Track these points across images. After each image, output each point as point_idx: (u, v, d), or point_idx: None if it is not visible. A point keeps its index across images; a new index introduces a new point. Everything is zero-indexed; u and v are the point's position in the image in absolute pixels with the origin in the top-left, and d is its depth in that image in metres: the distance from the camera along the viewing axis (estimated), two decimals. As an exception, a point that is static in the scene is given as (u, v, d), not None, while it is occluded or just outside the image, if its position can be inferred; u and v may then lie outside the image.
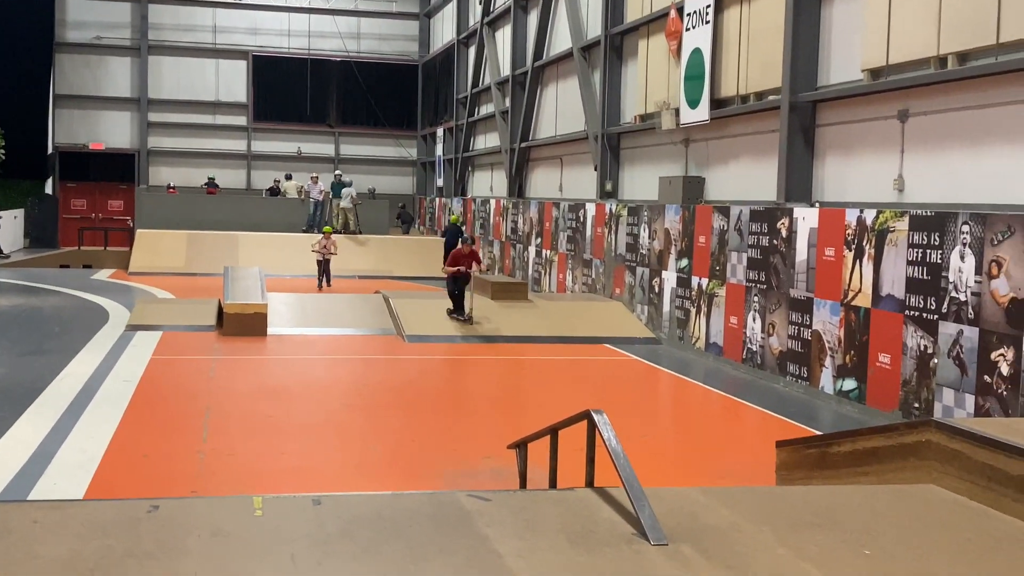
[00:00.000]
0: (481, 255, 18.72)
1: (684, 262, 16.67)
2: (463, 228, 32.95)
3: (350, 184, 33.98)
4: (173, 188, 36.24)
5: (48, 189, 38.07)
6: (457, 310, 17.68)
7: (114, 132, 39.08)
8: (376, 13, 40.81)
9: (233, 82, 40.00)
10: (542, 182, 26.57)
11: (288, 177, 34.51)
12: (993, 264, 9.88)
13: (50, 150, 38.09)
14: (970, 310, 10.17)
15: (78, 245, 34.58)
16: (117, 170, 38.58)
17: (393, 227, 35.77)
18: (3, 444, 9.43)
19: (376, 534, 4.78)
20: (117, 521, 4.92)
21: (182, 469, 8.90)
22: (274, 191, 36.57)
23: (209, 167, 39.24)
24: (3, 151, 34.43)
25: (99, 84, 38.93)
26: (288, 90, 40.04)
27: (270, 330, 16.95)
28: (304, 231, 30.45)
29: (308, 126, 40.43)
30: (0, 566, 4.33)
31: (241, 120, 40.10)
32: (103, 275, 27.55)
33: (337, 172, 36.06)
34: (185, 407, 11.38)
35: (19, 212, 35.53)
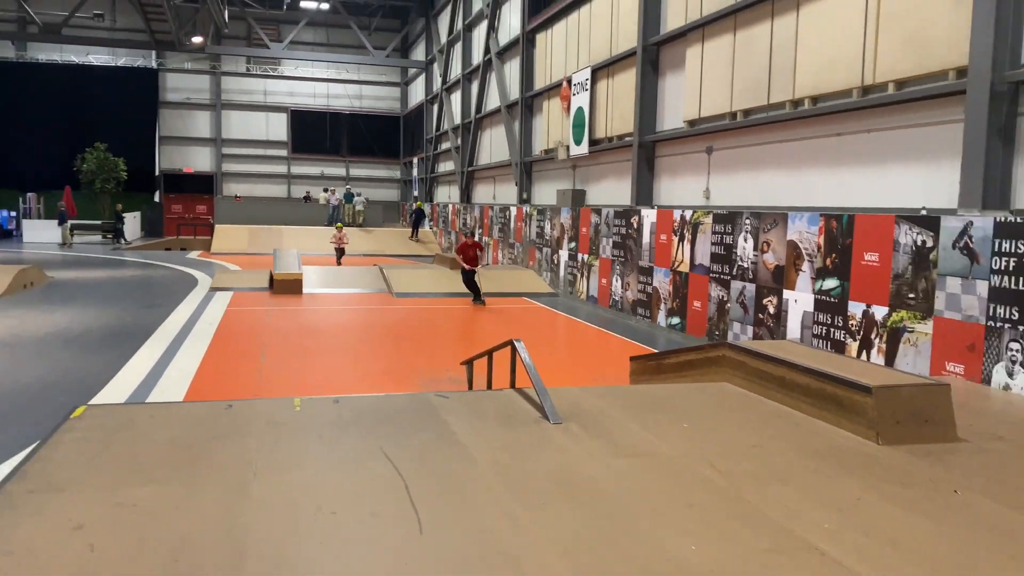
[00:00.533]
0: (474, 242, 16.38)
1: (573, 244, 16.76)
2: (425, 211, 32.94)
3: (360, 195, 34.12)
4: (239, 197, 36.18)
5: (156, 199, 37.29)
6: (474, 297, 15.77)
7: (199, 160, 38.51)
8: (372, 82, 40.47)
9: (278, 127, 39.43)
10: (482, 193, 26.45)
11: (325, 190, 34.15)
12: (764, 244, 10.07)
13: (157, 172, 37.34)
14: (750, 273, 10.37)
15: (177, 235, 34.14)
16: (202, 185, 38.03)
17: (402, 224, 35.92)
18: (129, 366, 9.29)
19: (376, 421, 4.82)
20: (205, 415, 4.91)
21: (248, 381, 8.84)
22: (307, 198, 36.40)
23: (262, 183, 39.00)
24: (126, 172, 33.86)
25: (188, 129, 38.27)
26: (314, 132, 39.71)
27: (305, 290, 16.78)
28: (326, 225, 30.22)
29: (328, 156, 40.14)
30: (130, 444, 4.32)
31: (283, 152, 39.62)
32: (194, 255, 27.00)
33: (348, 187, 35.71)
34: (249, 341, 11.26)
35: (137, 213, 34.96)
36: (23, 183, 34.24)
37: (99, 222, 33.27)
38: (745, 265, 10.45)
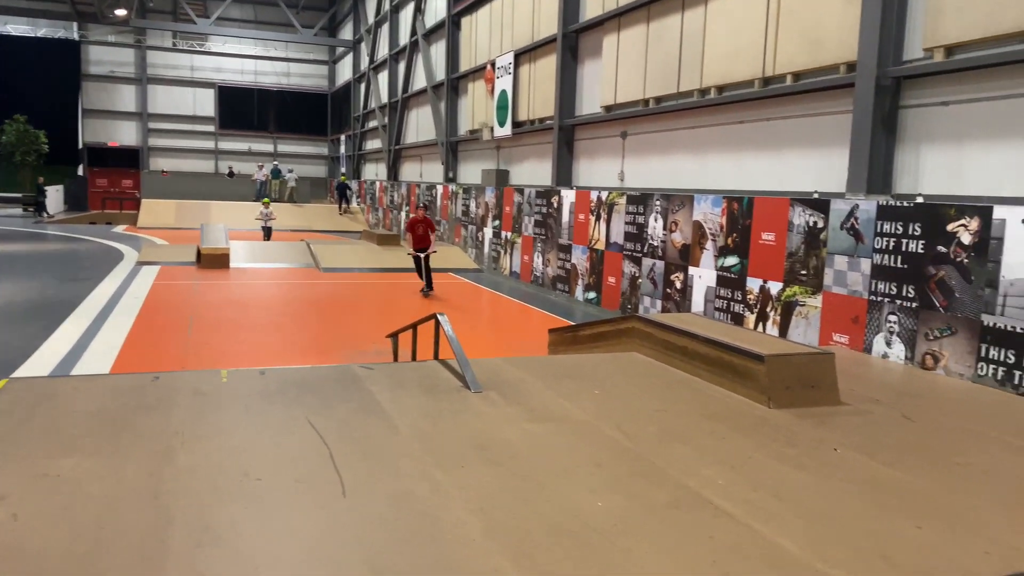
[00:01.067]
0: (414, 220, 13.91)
1: (497, 222, 16.80)
2: (350, 184, 32.50)
3: (292, 171, 33.42)
4: (166, 172, 34.88)
5: (80, 172, 35.55)
6: (425, 286, 13.49)
7: (125, 134, 36.81)
8: (300, 60, 39.36)
9: (205, 102, 38.00)
10: (409, 171, 26.17)
11: (260, 167, 33.15)
12: (672, 224, 10.31)
13: (80, 145, 35.57)
14: (659, 251, 10.61)
15: (102, 209, 32.73)
16: (128, 160, 36.47)
17: (331, 200, 35.22)
18: (53, 338, 8.92)
19: (301, 391, 4.79)
20: (131, 387, 4.79)
21: (175, 353, 8.61)
22: (230, 174, 35.38)
23: (189, 158, 37.61)
24: (47, 145, 32.28)
25: (113, 102, 36.51)
26: (242, 108, 38.43)
27: (232, 264, 16.36)
28: (254, 201, 29.47)
29: (255, 132, 38.92)
30: (53, 416, 4.18)
31: (210, 128, 38.23)
32: (119, 229, 25.90)
33: (275, 163, 34.87)
34: (176, 314, 10.94)
35: (60, 187, 33.34)
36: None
37: (19, 195, 31.63)
38: (655, 244, 10.69)
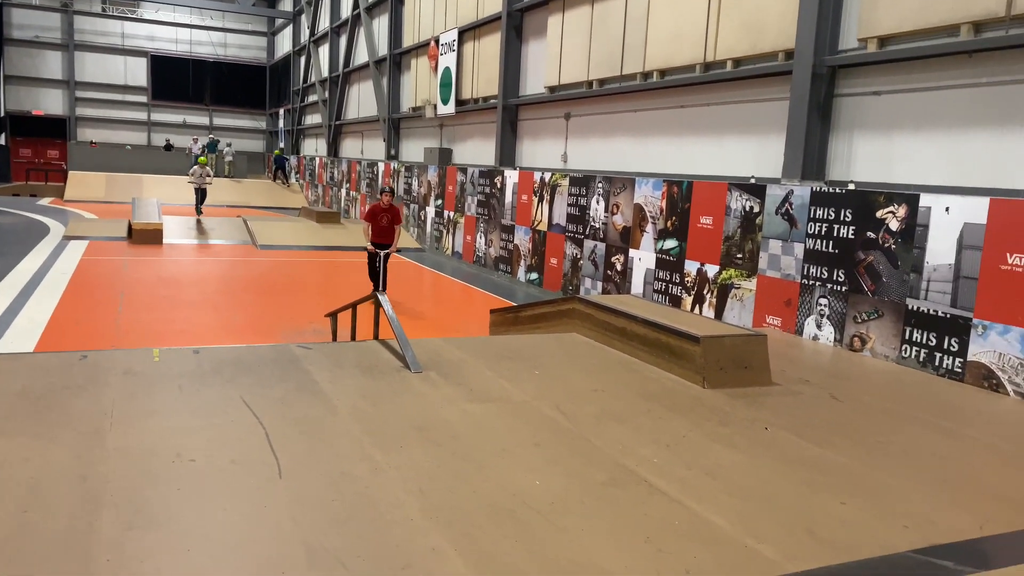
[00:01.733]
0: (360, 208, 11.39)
1: (440, 201, 16.69)
2: (288, 158, 31.86)
3: (230, 145, 32.51)
4: (95, 143, 33.47)
5: (1, 141, 33.85)
6: (375, 287, 9.88)
7: (50, 103, 35.10)
8: (237, 31, 38.20)
9: (137, 72, 36.50)
10: (350, 147, 25.77)
11: (195, 140, 32.03)
12: (614, 206, 10.41)
13: (2, 113, 33.84)
14: (601, 233, 10.71)
15: (26, 180, 31.24)
16: (53, 129, 34.85)
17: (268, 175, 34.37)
18: (-27, 318, 8.56)
19: (237, 371, 4.70)
20: (57, 366, 4.63)
21: (104, 332, 8.34)
22: (168, 147, 34.19)
23: (120, 129, 36.11)
24: None
25: (39, 69, 34.75)
26: (176, 79, 37.03)
27: (165, 240, 15.86)
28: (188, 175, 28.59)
29: (190, 104, 37.58)
30: (-24, 399, 4.02)
31: (143, 98, 36.79)
32: (45, 202, 24.84)
33: (211, 135, 33.86)
34: (106, 291, 10.58)
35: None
36: None
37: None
38: (597, 226, 10.78)
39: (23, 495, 2.91)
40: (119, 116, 36.48)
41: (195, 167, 20.84)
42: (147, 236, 15.57)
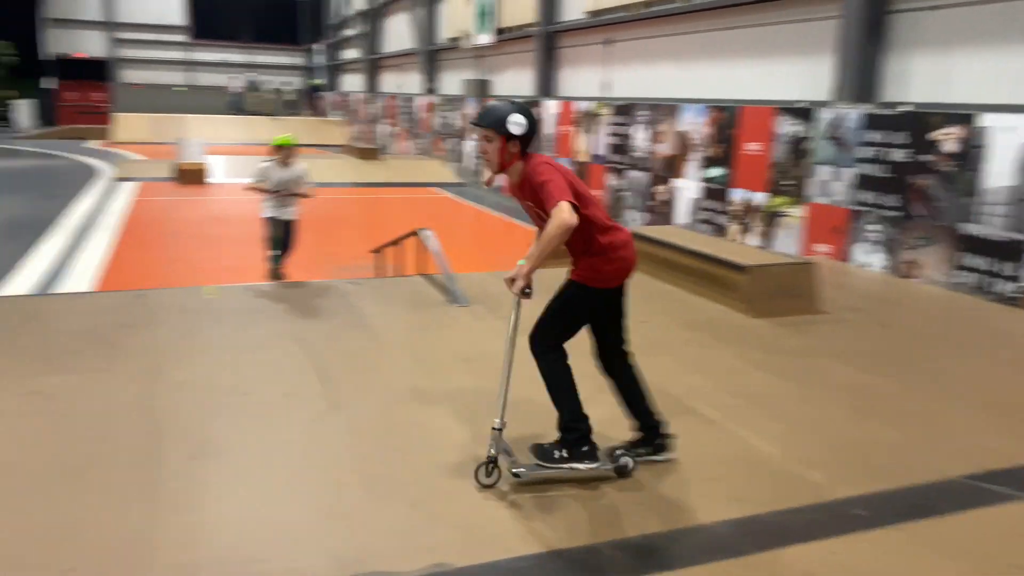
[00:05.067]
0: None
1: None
2: (321, 91, 31.42)
3: (269, 82, 32.37)
4: (139, 85, 33.73)
5: (47, 85, 34.25)
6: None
7: (91, 45, 35.24)
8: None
9: (175, 10, 36.30)
10: (388, 82, 25.53)
11: (233, 78, 31.97)
12: (658, 135, 10.18)
13: (43, 56, 34.13)
14: (644, 163, 10.51)
15: (74, 124, 31.75)
16: (98, 72, 35.06)
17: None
18: (33, 257, 8.83)
19: (286, 306, 4.80)
20: (114, 305, 4.78)
21: (157, 271, 8.54)
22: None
23: (161, 71, 36.13)
24: (16, 57, 31.04)
25: (76, 10, 34.83)
26: (215, 17, 36.77)
27: (209, 179, 16.10)
28: (231, 113, 28.74)
29: (229, 42, 37.34)
30: (40, 334, 4.18)
31: (182, 38, 36.69)
32: (93, 145, 25.30)
33: (250, 75, 33.81)
34: (156, 230, 10.81)
35: (31, 101, 32.19)
36: None
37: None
38: (640, 155, 10.58)
39: (93, 428, 3.04)
40: (159, 56, 36.48)
41: (265, 163, 8.25)
42: (192, 176, 15.81)
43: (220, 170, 17.22)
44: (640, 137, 10.54)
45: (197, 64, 36.98)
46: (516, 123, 2.68)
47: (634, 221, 10.69)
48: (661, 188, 10.12)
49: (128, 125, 27.42)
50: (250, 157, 19.93)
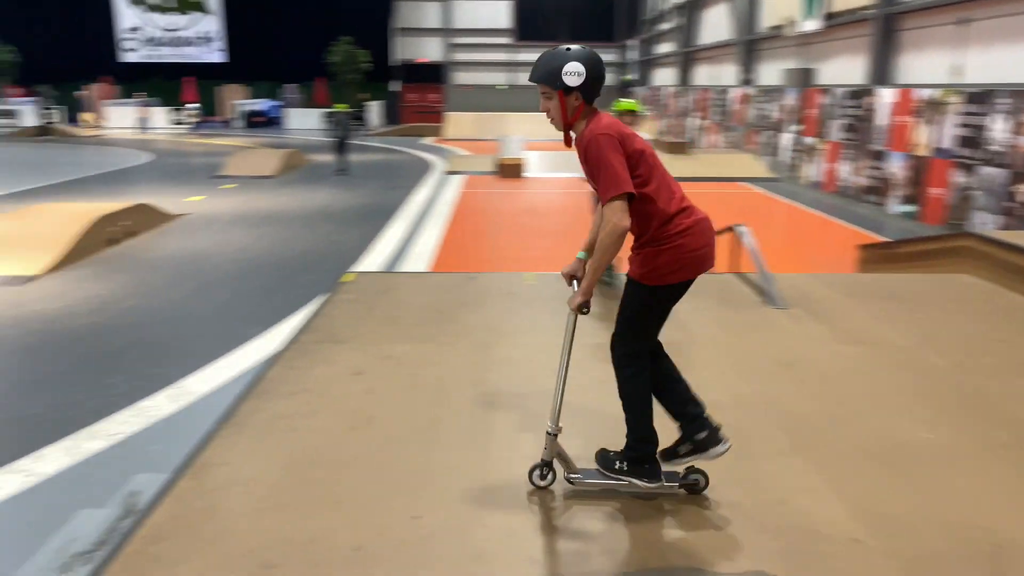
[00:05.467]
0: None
1: (798, 127, 15.62)
2: (633, 87, 31.78)
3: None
4: (470, 86, 37.04)
5: (393, 88, 39.01)
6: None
7: (429, 50, 39.43)
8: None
9: (503, 15, 39.23)
10: (701, 75, 25.12)
11: None
12: (1020, 126, 8.80)
13: (392, 63, 38.86)
14: (1002, 157, 9.17)
15: (413, 123, 35.82)
16: (435, 75, 39.14)
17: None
18: (381, 238, 10.09)
19: (598, 296, 4.94)
20: (452, 284, 5.29)
21: (481, 255, 9.31)
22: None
23: (486, 72, 39.21)
24: (371, 64, 35.74)
25: (419, 19, 39.14)
26: (536, 18, 39.07)
27: (527, 174, 17.16)
28: None
29: (549, 43, 39.30)
30: (392, 306, 4.77)
31: (506, 40, 39.51)
32: (427, 141, 28.29)
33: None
34: (480, 219, 11.77)
35: (381, 102, 36.95)
36: (281, 75, 37.44)
37: (347, 110, 35.71)
38: (997, 149, 9.23)
39: (432, 393, 3.41)
40: (486, 58, 39.67)
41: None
42: (511, 170, 16.97)
43: (536, 165, 18.26)
44: (998, 128, 9.20)
45: (519, 64, 39.54)
46: (573, 72, 2.39)
47: (985, 224, 9.39)
48: (1022, 187, 8.75)
49: (456, 123, 30.22)
50: (563, 153, 20.88)
